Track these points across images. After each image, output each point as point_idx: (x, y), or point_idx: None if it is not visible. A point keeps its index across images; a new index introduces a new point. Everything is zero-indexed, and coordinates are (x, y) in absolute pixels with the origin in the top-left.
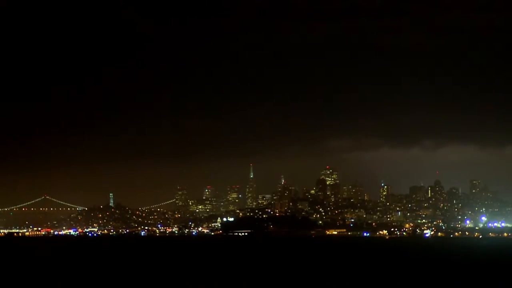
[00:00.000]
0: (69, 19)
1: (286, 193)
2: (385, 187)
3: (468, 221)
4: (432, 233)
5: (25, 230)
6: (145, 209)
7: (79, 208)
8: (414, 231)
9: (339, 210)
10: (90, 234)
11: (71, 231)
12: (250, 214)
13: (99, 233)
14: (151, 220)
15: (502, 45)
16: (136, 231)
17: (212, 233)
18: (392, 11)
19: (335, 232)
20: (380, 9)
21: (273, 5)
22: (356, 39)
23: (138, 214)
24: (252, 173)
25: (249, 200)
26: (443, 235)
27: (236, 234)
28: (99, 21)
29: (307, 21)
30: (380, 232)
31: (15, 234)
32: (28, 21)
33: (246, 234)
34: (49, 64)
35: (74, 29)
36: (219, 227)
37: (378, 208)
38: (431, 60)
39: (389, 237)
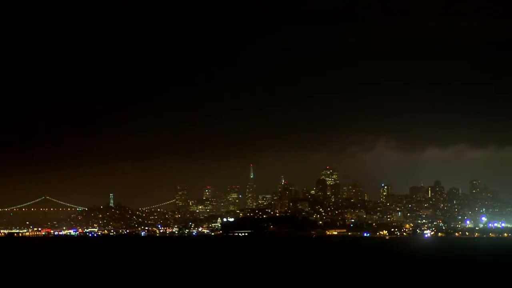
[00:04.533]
0: (69, 19)
1: (286, 193)
2: (385, 187)
3: (468, 221)
4: (432, 233)
5: (25, 231)
6: (145, 209)
7: (79, 208)
8: (414, 231)
9: (339, 210)
10: (90, 235)
11: (71, 231)
12: (250, 214)
13: (99, 233)
14: (151, 220)
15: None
16: (136, 231)
17: (212, 233)
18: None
19: (335, 233)
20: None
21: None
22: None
23: (138, 214)
24: (252, 173)
25: (249, 200)
26: (443, 235)
27: (236, 234)
28: (99, 20)
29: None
30: (380, 232)
31: (15, 234)
32: (27, 20)
33: (246, 234)
34: (49, 64)
35: (73, 28)
36: (219, 228)
37: (378, 209)
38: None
39: (389, 237)
